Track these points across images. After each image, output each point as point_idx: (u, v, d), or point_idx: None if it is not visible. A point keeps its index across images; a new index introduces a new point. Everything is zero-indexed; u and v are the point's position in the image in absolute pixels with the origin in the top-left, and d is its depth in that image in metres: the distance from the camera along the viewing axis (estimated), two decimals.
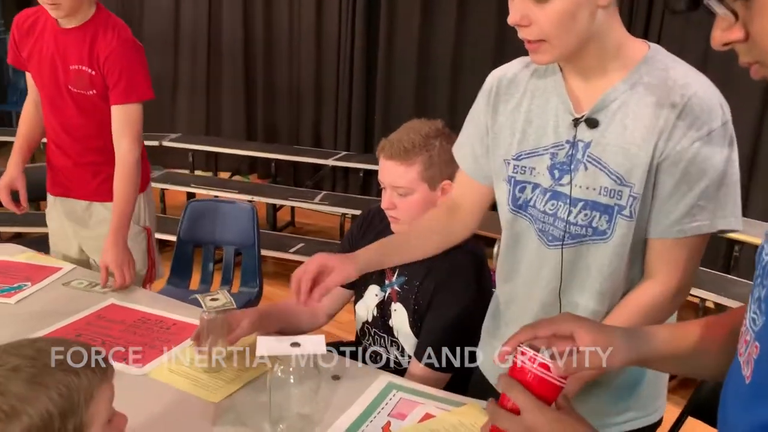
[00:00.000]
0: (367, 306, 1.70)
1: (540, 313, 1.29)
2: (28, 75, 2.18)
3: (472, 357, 1.51)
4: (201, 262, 2.76)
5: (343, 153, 4.85)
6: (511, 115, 1.27)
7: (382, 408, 1.34)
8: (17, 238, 3.48)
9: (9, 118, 6.19)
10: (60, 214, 2.24)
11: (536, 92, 1.25)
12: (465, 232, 1.49)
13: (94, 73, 2.00)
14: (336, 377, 1.44)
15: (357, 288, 1.73)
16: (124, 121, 2.01)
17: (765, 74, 0.70)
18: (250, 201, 4.08)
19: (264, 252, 3.71)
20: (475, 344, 1.54)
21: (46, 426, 0.82)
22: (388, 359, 1.68)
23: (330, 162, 4.67)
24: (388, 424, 1.29)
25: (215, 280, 2.82)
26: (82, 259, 2.23)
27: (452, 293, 1.55)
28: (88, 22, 2.01)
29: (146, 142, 4.92)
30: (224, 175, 5.45)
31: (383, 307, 1.66)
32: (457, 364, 1.52)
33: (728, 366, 0.79)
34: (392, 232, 1.63)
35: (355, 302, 1.74)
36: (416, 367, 1.55)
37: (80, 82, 2.01)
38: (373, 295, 1.69)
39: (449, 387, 1.50)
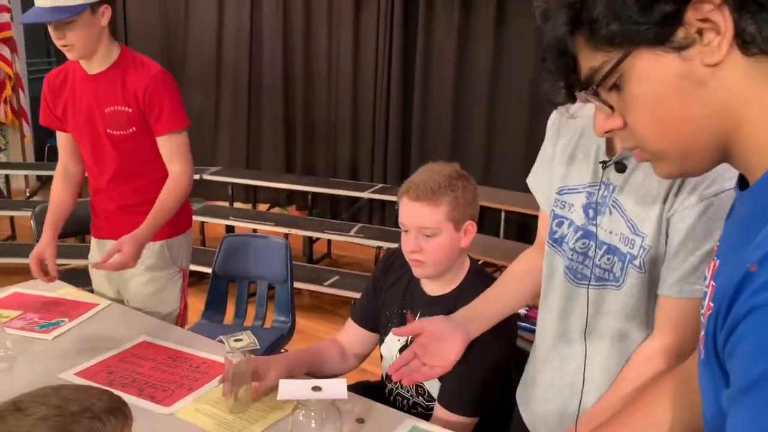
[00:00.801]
0: (390, 350, 1.69)
1: (566, 356, 1.27)
2: (58, 137, 2.23)
3: (504, 400, 1.49)
4: (235, 296, 2.79)
5: (380, 185, 4.88)
6: (563, 150, 1.28)
7: None
8: (61, 267, 3.58)
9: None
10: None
11: (587, 130, 1.25)
12: None
13: (130, 110, 2.05)
14: (360, 420, 1.43)
15: (380, 331, 1.73)
16: (173, 149, 2.07)
17: (646, 158, 0.73)
18: (286, 234, 4.14)
19: (300, 285, 3.75)
20: (506, 386, 1.52)
21: None
22: (414, 403, 1.66)
23: (366, 194, 4.70)
24: None
25: (249, 314, 2.85)
26: (118, 298, 2.28)
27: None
28: (115, 63, 2.05)
29: None
30: (263, 206, 5.54)
31: None
32: (485, 408, 1.50)
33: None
34: (413, 276, 1.63)
35: (380, 344, 1.74)
36: (441, 411, 1.53)
37: (118, 122, 2.07)
38: (395, 339, 1.68)
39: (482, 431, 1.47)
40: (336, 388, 1.23)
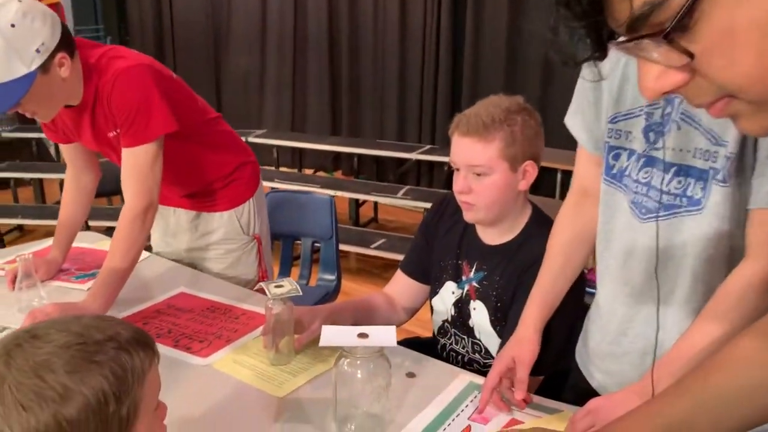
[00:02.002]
0: (444, 303, 1.55)
1: (632, 298, 1.12)
2: (63, 149, 1.87)
3: (567, 356, 1.35)
4: (280, 256, 2.70)
5: (428, 147, 4.71)
6: (612, 72, 1.11)
7: (462, 410, 1.19)
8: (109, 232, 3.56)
9: None
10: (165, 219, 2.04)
11: None
12: (597, 223, 1.25)
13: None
14: (411, 374, 1.31)
15: (433, 283, 1.59)
16: (130, 166, 1.61)
17: (736, 111, 0.51)
18: (332, 197, 4.02)
19: (346, 247, 3.64)
20: (570, 342, 1.37)
21: (101, 408, 0.74)
22: (470, 360, 1.52)
23: (414, 156, 4.54)
24: (468, 428, 1.14)
25: (293, 274, 2.75)
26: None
27: None
28: (85, 92, 1.60)
29: None
30: (308, 171, 5.44)
31: (461, 306, 1.51)
32: (549, 366, 1.36)
33: None
34: (466, 223, 1.48)
35: (431, 297, 1.60)
36: None
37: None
38: (449, 292, 1.54)
39: (541, 391, 1.33)
40: (384, 335, 1.10)
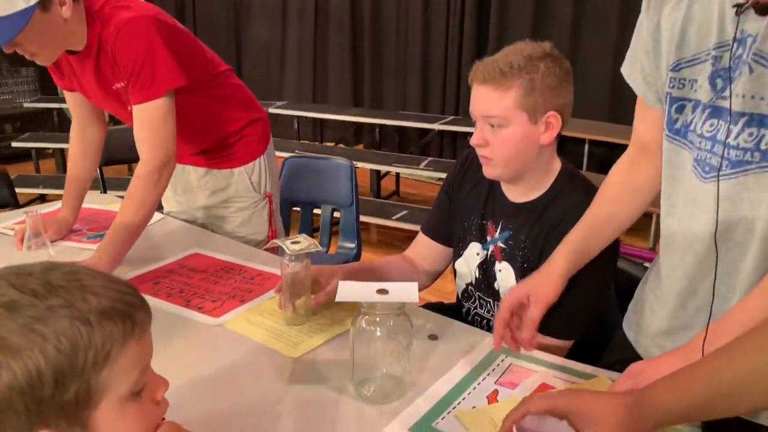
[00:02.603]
0: (468, 265, 1.47)
1: (694, 266, 1.01)
2: (67, 97, 1.80)
3: (601, 326, 1.26)
4: (299, 223, 2.63)
5: (451, 117, 4.59)
6: (671, 14, 0.99)
7: (488, 374, 1.11)
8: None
9: None
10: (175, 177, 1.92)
11: None
12: (654, 181, 1.12)
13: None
14: (433, 337, 1.23)
15: (456, 245, 1.50)
16: (142, 122, 1.56)
17: None
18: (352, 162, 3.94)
19: (367, 219, 3.57)
20: (600, 309, 1.29)
21: (32, 388, 0.60)
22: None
23: (437, 126, 4.43)
24: (495, 393, 1.06)
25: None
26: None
27: None
28: (89, 39, 1.53)
29: None
30: (329, 144, 5.36)
31: (486, 268, 1.43)
32: (581, 330, 1.27)
33: None
34: (494, 181, 1.39)
35: (454, 260, 1.52)
36: None
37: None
38: (474, 253, 1.45)
39: (575, 355, 1.24)
40: (406, 290, 1.03)
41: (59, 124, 5.13)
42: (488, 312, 1.46)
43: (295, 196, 2.55)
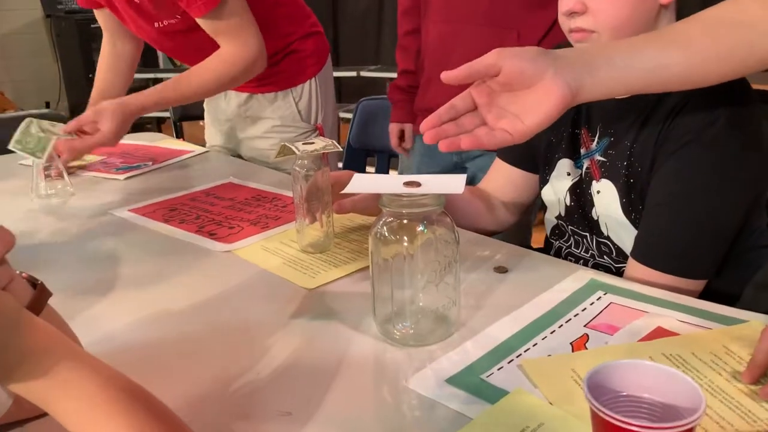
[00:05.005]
0: (556, 192, 1.12)
1: None
2: (97, 14, 1.61)
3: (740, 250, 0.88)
4: (374, 172, 2.34)
5: None
6: None
7: (577, 314, 0.76)
8: None
9: None
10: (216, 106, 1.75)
11: None
12: None
13: None
14: (501, 269, 0.89)
15: (542, 169, 1.15)
16: (218, 30, 1.39)
17: None
18: None
19: None
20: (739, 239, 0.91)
21: None
22: (595, 265, 1.08)
23: None
24: (584, 338, 0.71)
25: None
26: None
27: (695, 148, 0.89)
28: None
29: (344, 74, 4.60)
30: None
31: (580, 192, 1.06)
32: (713, 265, 0.89)
33: None
34: None
35: (541, 188, 1.16)
36: (638, 270, 0.93)
37: (160, 10, 1.42)
38: (563, 173, 1.10)
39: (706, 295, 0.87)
40: (448, 181, 0.70)
41: None
42: (585, 250, 1.09)
43: (370, 142, 2.26)
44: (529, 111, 0.72)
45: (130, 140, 1.77)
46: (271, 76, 1.54)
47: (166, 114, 3.95)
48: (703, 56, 0.73)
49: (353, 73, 4.39)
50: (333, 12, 5.62)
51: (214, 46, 1.41)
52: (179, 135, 2.47)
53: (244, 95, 1.61)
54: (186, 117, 2.55)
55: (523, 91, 0.72)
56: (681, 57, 0.73)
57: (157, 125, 4.65)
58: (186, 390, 0.65)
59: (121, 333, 0.76)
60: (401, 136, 1.83)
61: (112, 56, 1.61)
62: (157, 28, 1.45)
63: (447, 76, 0.72)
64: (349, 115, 3.60)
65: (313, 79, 1.59)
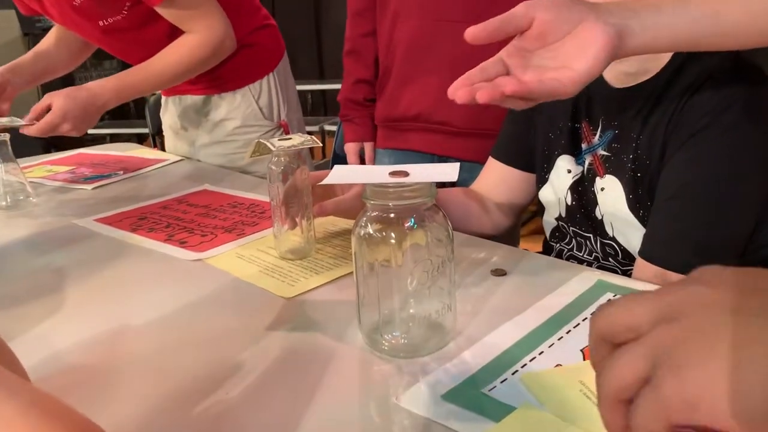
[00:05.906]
0: (556, 191, 1.04)
1: None
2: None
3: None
4: None
5: None
6: None
7: (585, 319, 0.69)
8: None
9: None
10: (173, 114, 1.68)
11: None
12: None
13: None
14: (499, 272, 0.81)
15: (539, 167, 1.08)
16: (179, 17, 1.33)
17: None
18: None
19: None
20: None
21: None
22: (600, 267, 1.00)
23: None
24: None
25: None
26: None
27: (712, 133, 0.82)
28: None
29: (330, 86, 4.56)
30: None
31: (582, 190, 0.99)
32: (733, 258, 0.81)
33: None
34: None
35: (539, 189, 1.09)
36: (647, 270, 0.86)
37: (104, 6, 1.35)
38: (564, 171, 1.02)
39: None
40: (441, 170, 0.62)
41: (135, 111, 5.07)
42: (588, 252, 1.02)
43: None
44: (574, 58, 0.63)
45: (102, 150, 1.68)
46: (226, 73, 1.46)
47: (146, 130, 3.87)
48: (764, 5, 0.65)
49: (339, 86, 4.32)
50: (316, 25, 5.59)
51: (168, 44, 1.33)
52: (159, 148, 2.39)
53: (199, 98, 1.52)
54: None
55: (560, 42, 0.65)
56: (736, 4, 0.66)
57: (138, 141, 4.57)
58: (142, 413, 0.56)
59: (70, 352, 0.67)
60: (361, 156, 1.62)
61: (57, 34, 1.55)
62: (102, 27, 1.37)
63: (473, 31, 0.64)
64: (334, 128, 3.53)
65: (271, 74, 1.51)
